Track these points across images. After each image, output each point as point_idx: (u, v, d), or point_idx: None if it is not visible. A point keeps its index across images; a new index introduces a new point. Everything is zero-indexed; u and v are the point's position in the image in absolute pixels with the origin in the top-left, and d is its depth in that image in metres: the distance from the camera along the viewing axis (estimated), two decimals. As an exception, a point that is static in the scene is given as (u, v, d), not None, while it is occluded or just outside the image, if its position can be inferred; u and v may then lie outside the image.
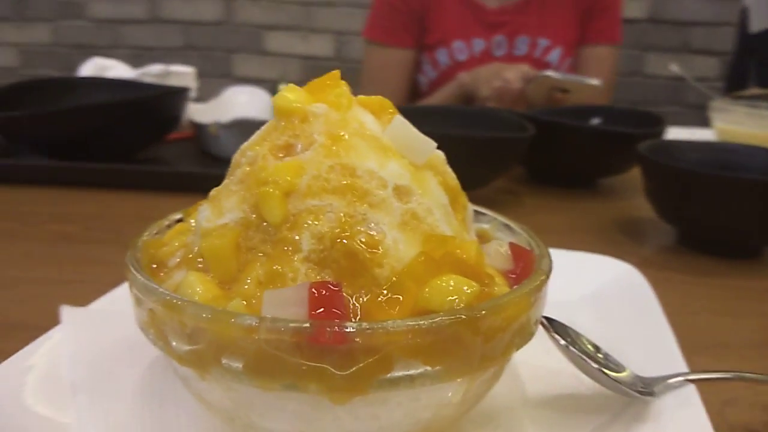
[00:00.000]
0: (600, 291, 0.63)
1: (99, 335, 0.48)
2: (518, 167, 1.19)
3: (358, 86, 2.00)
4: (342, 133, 0.37)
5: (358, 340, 0.30)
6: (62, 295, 0.64)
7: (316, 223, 0.35)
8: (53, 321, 0.49)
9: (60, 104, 1.16)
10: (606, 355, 0.44)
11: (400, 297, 0.33)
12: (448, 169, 0.42)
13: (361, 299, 0.33)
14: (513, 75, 1.47)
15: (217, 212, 0.37)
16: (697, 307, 0.69)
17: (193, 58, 3.31)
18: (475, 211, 0.50)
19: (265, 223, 0.35)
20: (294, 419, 0.34)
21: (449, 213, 0.39)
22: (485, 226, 0.49)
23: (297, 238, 0.34)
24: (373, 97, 0.42)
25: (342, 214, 0.35)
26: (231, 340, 0.31)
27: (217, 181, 0.40)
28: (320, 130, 0.38)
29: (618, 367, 0.43)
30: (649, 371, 0.45)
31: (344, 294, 0.33)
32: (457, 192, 0.42)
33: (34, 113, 1.02)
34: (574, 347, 0.41)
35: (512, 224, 0.47)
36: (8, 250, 0.78)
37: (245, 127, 1.20)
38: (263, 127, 0.40)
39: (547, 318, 0.41)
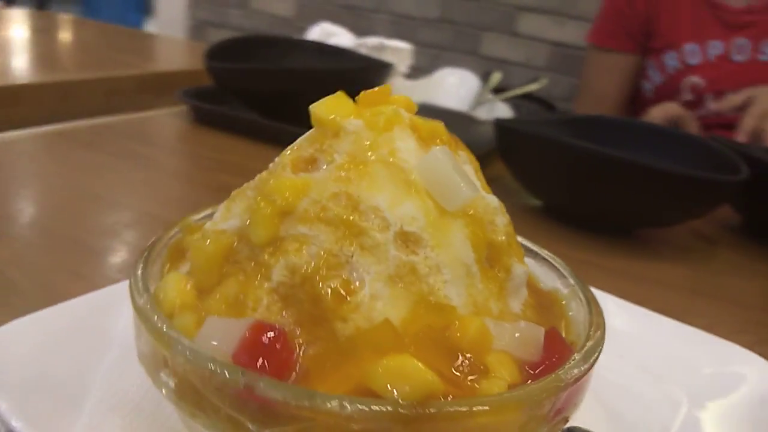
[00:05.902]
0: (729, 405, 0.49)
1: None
2: (733, 212, 0.99)
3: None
4: (364, 157, 0.33)
5: (273, 401, 0.26)
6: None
7: (296, 254, 0.31)
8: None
9: (274, 63, 1.25)
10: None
11: (348, 365, 0.28)
12: (499, 221, 0.35)
13: (309, 352, 0.29)
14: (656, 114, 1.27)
15: (225, 214, 0.35)
16: None
17: (446, 31, 3.35)
18: (557, 270, 0.41)
19: (254, 239, 0.33)
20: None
21: (471, 274, 0.33)
22: (563, 290, 0.41)
23: (272, 265, 0.31)
24: (428, 121, 0.36)
25: (325, 251, 0.31)
26: (163, 358, 0.29)
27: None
28: (345, 149, 0.33)
29: None
30: None
31: (290, 342, 0.29)
32: (501, 250, 0.34)
33: (241, 68, 1.11)
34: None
35: (591, 300, 0.38)
36: (175, 189, 0.87)
37: (431, 115, 1.18)
38: (308, 133, 0.37)
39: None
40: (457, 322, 0.30)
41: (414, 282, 0.31)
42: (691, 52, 1.57)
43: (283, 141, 0.38)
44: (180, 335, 0.29)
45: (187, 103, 1.14)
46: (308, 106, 0.35)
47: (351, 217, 0.31)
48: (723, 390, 0.51)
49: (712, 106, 1.42)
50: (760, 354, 0.55)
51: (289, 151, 0.36)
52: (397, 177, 0.32)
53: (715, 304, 0.75)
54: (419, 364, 0.27)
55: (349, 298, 0.30)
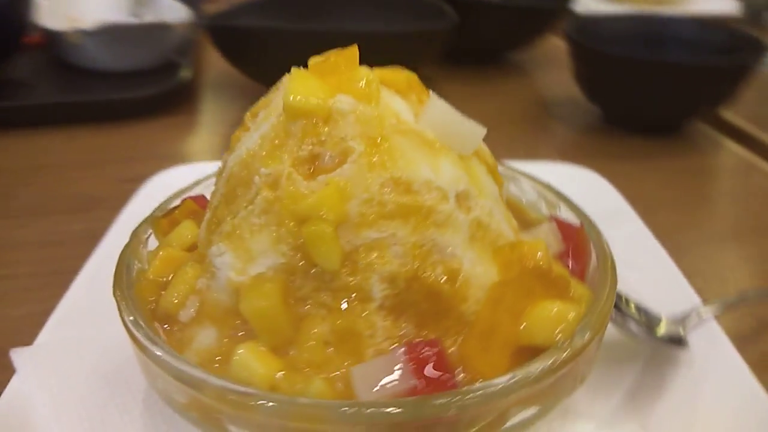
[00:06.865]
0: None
1: (65, 376, 0.39)
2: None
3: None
4: (379, 134, 0.30)
5: (478, 409, 0.26)
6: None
7: (383, 261, 0.28)
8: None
9: None
10: (638, 307, 0.43)
11: (499, 336, 0.28)
12: (484, 146, 0.36)
13: (454, 344, 0.29)
14: None
15: (245, 257, 0.29)
16: (657, 197, 0.69)
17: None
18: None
19: (315, 269, 0.28)
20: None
21: (500, 204, 0.34)
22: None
23: (364, 284, 0.28)
24: (396, 71, 0.34)
25: (410, 245, 0.29)
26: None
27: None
28: (353, 133, 0.30)
29: (655, 320, 0.43)
30: (655, 294, 0.45)
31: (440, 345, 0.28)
32: (495, 170, 0.36)
33: None
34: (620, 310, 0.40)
35: (535, 179, 0.43)
36: None
37: (117, 34, 1.02)
38: (268, 129, 0.31)
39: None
40: (525, 250, 0.32)
41: (485, 235, 0.31)
42: None
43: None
44: (342, 403, 0.25)
45: None
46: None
47: (413, 201, 0.29)
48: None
49: None
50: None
51: (270, 159, 0.30)
52: (418, 142, 0.31)
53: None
54: (560, 303, 0.29)
55: (459, 277, 0.29)
